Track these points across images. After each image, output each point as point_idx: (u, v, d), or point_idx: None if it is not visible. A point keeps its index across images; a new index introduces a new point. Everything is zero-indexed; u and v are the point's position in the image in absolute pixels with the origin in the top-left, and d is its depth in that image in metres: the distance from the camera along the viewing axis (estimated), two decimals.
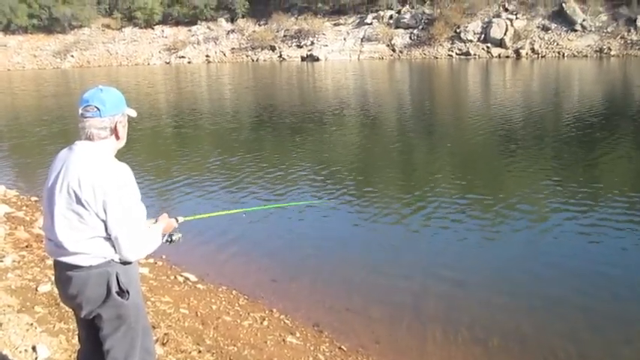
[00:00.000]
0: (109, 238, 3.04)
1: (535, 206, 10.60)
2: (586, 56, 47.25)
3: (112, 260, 3.08)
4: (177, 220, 3.73)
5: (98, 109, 3.08)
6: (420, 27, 56.37)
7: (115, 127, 3.16)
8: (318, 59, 56.32)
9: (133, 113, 3.32)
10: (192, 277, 7.83)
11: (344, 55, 57.16)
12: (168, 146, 18.54)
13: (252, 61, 59.55)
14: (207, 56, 62.01)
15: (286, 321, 6.71)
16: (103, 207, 2.97)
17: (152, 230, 3.31)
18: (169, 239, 3.63)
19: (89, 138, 3.10)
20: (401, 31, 57.11)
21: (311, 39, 59.19)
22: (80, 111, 3.11)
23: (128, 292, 3.12)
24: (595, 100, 24.62)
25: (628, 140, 16.27)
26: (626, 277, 7.65)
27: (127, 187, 3.05)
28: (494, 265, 8.20)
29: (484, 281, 7.65)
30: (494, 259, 8.39)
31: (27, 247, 7.95)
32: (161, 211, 3.75)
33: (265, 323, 6.56)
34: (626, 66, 40.61)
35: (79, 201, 2.97)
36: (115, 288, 3.09)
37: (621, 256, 8.31)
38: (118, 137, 3.20)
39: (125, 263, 3.13)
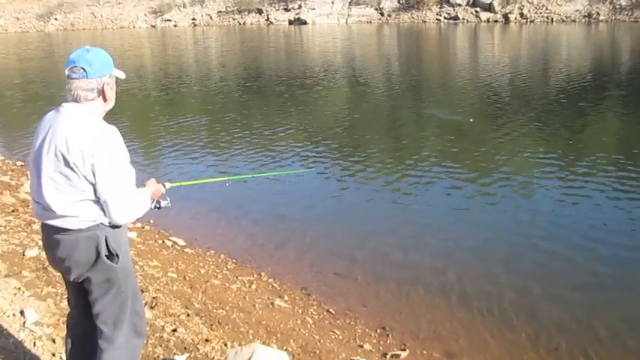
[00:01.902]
0: (97, 201, 3.00)
1: (523, 170, 10.65)
2: (574, 21, 47.06)
3: (102, 224, 3.04)
4: (164, 186, 3.69)
5: (85, 70, 3.00)
6: None
7: (103, 88, 3.08)
8: (305, 23, 55.68)
9: (121, 75, 3.24)
10: (181, 242, 7.84)
11: (332, 19, 56.55)
12: (155, 112, 18.36)
13: (239, 24, 58.80)
14: (193, 19, 61.14)
15: (274, 284, 6.75)
16: (91, 170, 2.92)
17: (141, 194, 3.27)
18: (157, 205, 3.59)
19: (76, 100, 3.03)
20: None
21: (299, 2, 58.42)
22: (66, 72, 3.03)
23: (118, 255, 3.09)
24: (583, 65, 24.61)
25: (614, 105, 16.33)
26: (610, 239, 7.74)
27: (116, 150, 3.00)
28: (481, 229, 8.26)
29: (472, 246, 7.70)
30: (482, 224, 8.45)
31: (13, 211, 7.90)
32: (149, 177, 3.72)
33: (254, 287, 6.60)
34: (615, 31, 40.53)
35: (67, 164, 2.92)
36: (104, 251, 3.05)
37: (609, 218, 8.39)
38: (105, 99, 3.13)
39: (114, 227, 3.09)
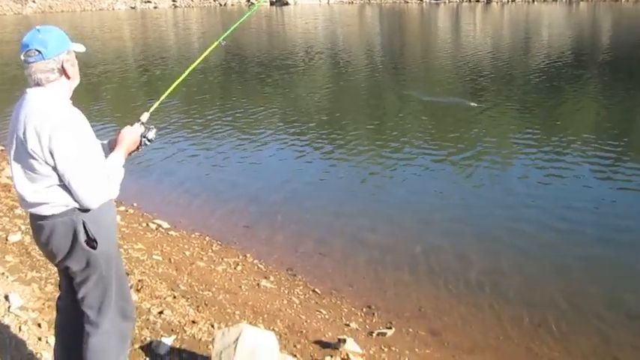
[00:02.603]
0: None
1: (502, 150, 10.73)
2: (555, 1, 47.19)
3: (76, 208, 2.97)
4: (141, 122, 3.47)
5: (39, 51, 2.89)
6: None
7: (62, 66, 2.97)
8: (287, 4, 55.38)
9: (81, 48, 3.12)
10: (165, 224, 7.81)
11: (314, 0, 56.22)
12: (132, 93, 18.21)
13: (220, 5, 58.34)
14: (173, 1, 60.52)
15: (260, 266, 6.76)
16: (50, 155, 2.84)
17: (111, 167, 3.11)
18: (146, 141, 3.40)
19: (38, 83, 2.94)
20: None
21: None
22: (22, 57, 2.92)
23: (96, 240, 3.02)
24: (563, 44, 24.72)
25: (593, 84, 16.47)
26: (589, 218, 7.85)
27: (74, 130, 2.90)
28: (462, 209, 8.31)
29: (455, 226, 7.75)
30: (463, 204, 8.51)
31: None
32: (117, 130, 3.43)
33: (239, 268, 6.61)
34: (595, 11, 40.73)
35: (26, 151, 2.85)
36: (82, 237, 2.99)
37: (586, 195, 8.50)
38: (68, 77, 3.02)
39: (91, 210, 3.00)
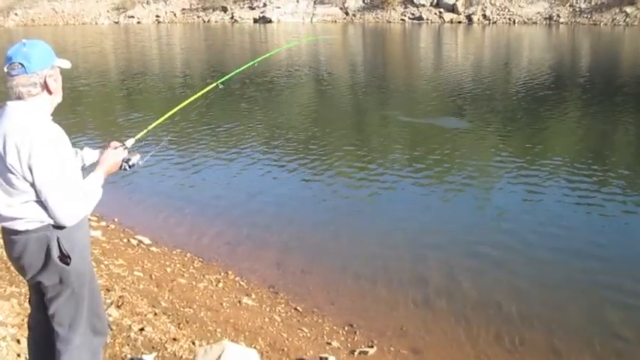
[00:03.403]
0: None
1: (484, 170, 10.82)
2: (535, 23, 47.78)
3: (51, 225, 2.95)
4: (124, 146, 3.48)
5: (23, 65, 2.89)
6: None
7: (45, 81, 2.96)
8: (270, 21, 55.47)
9: (66, 64, 3.11)
10: (146, 240, 7.77)
11: (297, 18, 56.45)
12: (114, 109, 18.09)
13: (204, 22, 58.29)
14: (157, 16, 60.38)
15: (242, 283, 6.74)
16: (29, 169, 2.82)
17: (90, 186, 3.10)
18: (127, 166, 3.42)
19: (19, 97, 2.93)
20: None
21: (263, 0, 58.21)
22: (5, 69, 2.92)
23: (70, 257, 3.00)
24: (544, 66, 25.01)
25: (573, 106, 16.68)
26: (574, 236, 7.95)
27: (55, 148, 2.88)
28: (445, 228, 8.35)
29: (437, 243, 7.79)
30: (446, 223, 8.55)
31: None
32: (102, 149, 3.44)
33: (221, 285, 6.58)
34: (575, 33, 41.32)
35: (4, 165, 2.84)
36: (56, 253, 2.97)
37: (567, 219, 8.59)
38: (50, 92, 3.00)
39: (64, 227, 2.98)
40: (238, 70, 5.20)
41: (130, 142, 3.58)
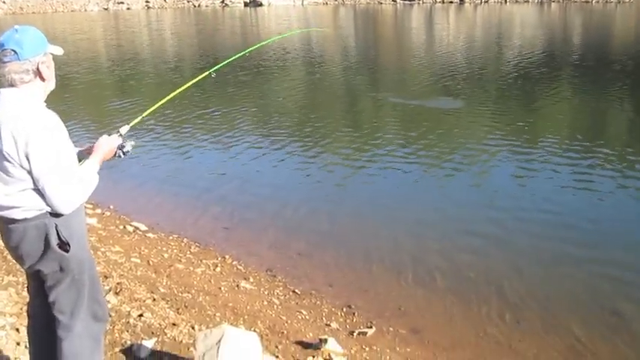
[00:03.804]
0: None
1: (479, 149, 10.81)
2: (527, 2, 47.78)
3: (48, 212, 2.92)
4: (119, 134, 3.47)
5: (15, 52, 2.84)
6: None
7: (38, 68, 2.92)
8: (261, 5, 55.29)
9: (58, 51, 3.07)
10: (142, 227, 7.75)
11: (288, 1, 56.24)
12: (105, 95, 18.02)
13: (194, 7, 58.05)
14: (147, 2, 60.08)
15: (239, 267, 6.74)
16: (26, 157, 2.80)
17: (85, 173, 3.07)
18: (121, 154, 3.39)
19: (12, 84, 2.89)
20: None
21: None
22: None
23: (69, 244, 2.98)
24: (536, 45, 25.01)
25: (565, 84, 16.70)
26: (568, 215, 7.96)
27: (51, 135, 2.85)
28: (440, 207, 8.35)
29: (432, 223, 7.80)
30: (440, 202, 8.55)
31: None
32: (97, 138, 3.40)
33: (218, 270, 6.58)
34: (566, 11, 41.30)
35: (1, 153, 2.81)
36: (55, 240, 2.95)
37: (561, 195, 8.61)
38: (43, 79, 2.97)
39: (62, 215, 2.95)
40: (230, 60, 5.17)
41: (124, 130, 3.55)
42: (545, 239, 7.24)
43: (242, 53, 5.39)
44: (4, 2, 60.18)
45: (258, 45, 5.59)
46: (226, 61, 5.11)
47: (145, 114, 3.93)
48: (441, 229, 7.62)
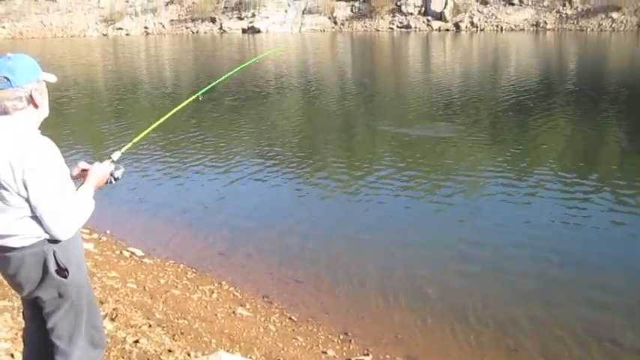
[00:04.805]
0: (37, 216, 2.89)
1: (474, 178, 10.85)
2: (523, 30, 48.32)
3: (46, 239, 2.93)
4: (111, 160, 3.49)
5: (8, 79, 2.86)
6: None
7: (31, 95, 2.94)
8: (259, 31, 55.76)
9: (52, 78, 3.10)
10: (139, 252, 7.75)
11: (285, 28, 56.75)
12: (102, 121, 18.04)
13: (192, 33, 58.49)
14: (145, 28, 60.53)
15: (235, 293, 6.72)
16: (23, 185, 2.80)
17: (81, 199, 3.08)
18: (112, 179, 3.42)
19: (5, 112, 2.89)
20: (342, 3, 56.95)
21: (252, 11, 58.41)
22: None
23: (67, 270, 2.98)
24: (531, 73, 25.22)
25: (561, 112, 16.80)
26: (564, 243, 7.98)
27: (48, 162, 2.87)
28: (435, 235, 8.35)
29: (429, 251, 7.80)
30: (435, 230, 8.56)
31: None
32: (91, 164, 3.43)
33: (215, 296, 6.56)
34: (561, 39, 41.72)
35: None
36: (53, 267, 2.94)
37: (553, 225, 8.63)
38: (36, 106, 2.98)
39: (59, 241, 2.96)
40: (217, 81, 5.21)
41: (116, 156, 3.57)
42: (542, 267, 7.23)
43: (228, 75, 5.40)
44: (3, 27, 60.61)
45: (240, 67, 5.60)
46: (213, 84, 5.14)
47: (135, 140, 3.95)
48: (437, 256, 7.61)
